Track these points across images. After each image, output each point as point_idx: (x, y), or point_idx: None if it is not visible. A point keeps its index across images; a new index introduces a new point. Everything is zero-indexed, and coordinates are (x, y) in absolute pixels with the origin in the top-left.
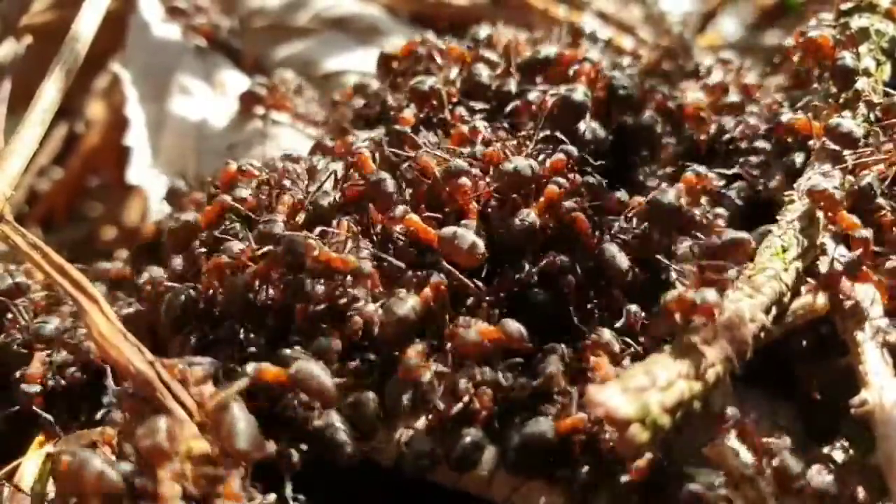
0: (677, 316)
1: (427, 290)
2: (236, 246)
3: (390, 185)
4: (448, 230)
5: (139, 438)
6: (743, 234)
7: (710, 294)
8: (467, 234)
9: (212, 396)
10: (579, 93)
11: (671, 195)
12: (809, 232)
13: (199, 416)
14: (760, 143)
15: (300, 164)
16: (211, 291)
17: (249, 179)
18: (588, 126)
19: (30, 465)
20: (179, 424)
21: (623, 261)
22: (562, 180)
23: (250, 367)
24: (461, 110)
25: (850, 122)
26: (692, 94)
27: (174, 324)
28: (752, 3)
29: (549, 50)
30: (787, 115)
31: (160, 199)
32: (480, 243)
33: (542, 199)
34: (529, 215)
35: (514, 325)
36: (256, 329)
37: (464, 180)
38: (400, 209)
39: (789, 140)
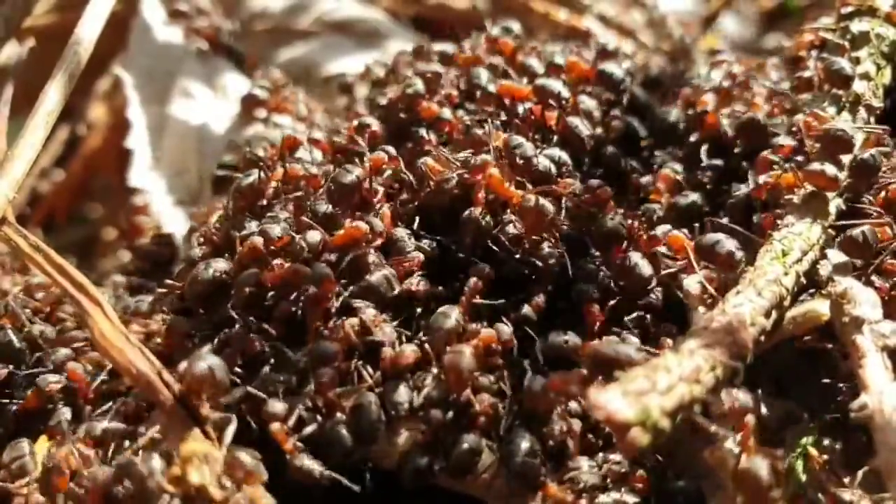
0: None
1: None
2: (275, 230)
3: (349, 177)
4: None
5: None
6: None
7: None
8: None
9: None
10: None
11: None
12: (810, 235)
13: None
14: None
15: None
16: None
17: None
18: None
19: None
20: (182, 426)
21: (646, 268)
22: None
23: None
24: (462, 113)
25: (844, 125)
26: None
27: (198, 299)
28: (753, 6)
29: None
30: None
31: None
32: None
33: None
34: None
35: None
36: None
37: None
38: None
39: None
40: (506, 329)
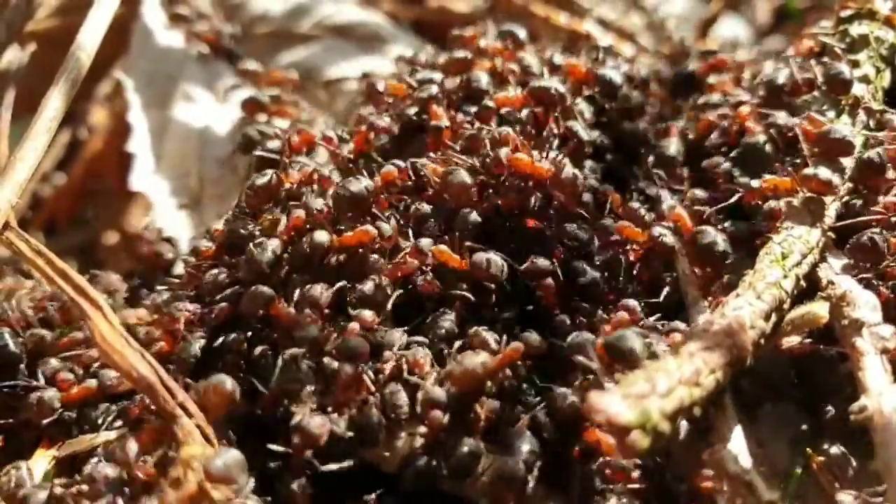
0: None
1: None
2: (317, 203)
3: (358, 186)
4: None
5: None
6: None
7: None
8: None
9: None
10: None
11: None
12: (809, 238)
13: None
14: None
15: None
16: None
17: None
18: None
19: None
20: (183, 430)
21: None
22: None
23: None
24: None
25: (843, 128)
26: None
27: (256, 279)
28: (753, 9)
29: None
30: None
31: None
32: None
33: None
34: None
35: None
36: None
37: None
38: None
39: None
40: (535, 338)
